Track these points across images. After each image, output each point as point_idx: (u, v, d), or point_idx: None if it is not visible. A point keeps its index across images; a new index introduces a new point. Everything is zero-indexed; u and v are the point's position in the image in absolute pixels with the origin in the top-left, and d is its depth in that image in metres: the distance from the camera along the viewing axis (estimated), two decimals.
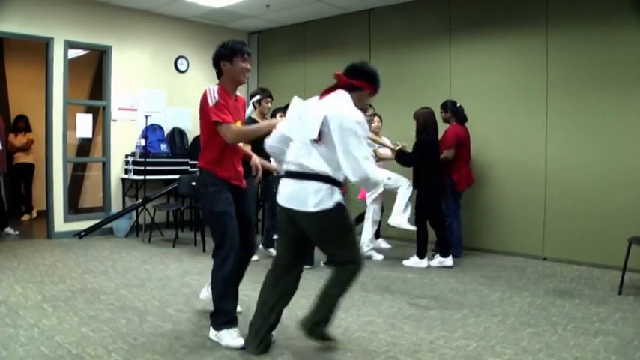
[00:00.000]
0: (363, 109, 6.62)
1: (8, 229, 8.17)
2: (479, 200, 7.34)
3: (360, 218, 7.03)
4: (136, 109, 8.79)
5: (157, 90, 9.13)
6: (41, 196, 8.72)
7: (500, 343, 3.94)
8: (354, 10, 8.69)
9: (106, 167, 8.60)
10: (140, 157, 8.35)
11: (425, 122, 6.43)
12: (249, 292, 5.21)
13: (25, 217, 9.75)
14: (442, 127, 6.95)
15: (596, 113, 6.37)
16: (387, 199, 7.13)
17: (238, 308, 4.13)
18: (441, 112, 6.95)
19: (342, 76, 3.59)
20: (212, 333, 3.90)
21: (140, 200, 8.25)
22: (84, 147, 9.15)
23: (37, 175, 9.63)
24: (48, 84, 7.87)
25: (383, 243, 7.54)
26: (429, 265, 6.47)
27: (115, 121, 8.58)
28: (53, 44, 7.83)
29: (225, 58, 3.96)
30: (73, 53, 8.38)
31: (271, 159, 6.38)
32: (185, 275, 5.89)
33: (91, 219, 8.33)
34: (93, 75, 9.29)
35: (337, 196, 3.43)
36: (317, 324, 3.62)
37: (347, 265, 3.59)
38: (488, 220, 7.24)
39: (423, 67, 7.93)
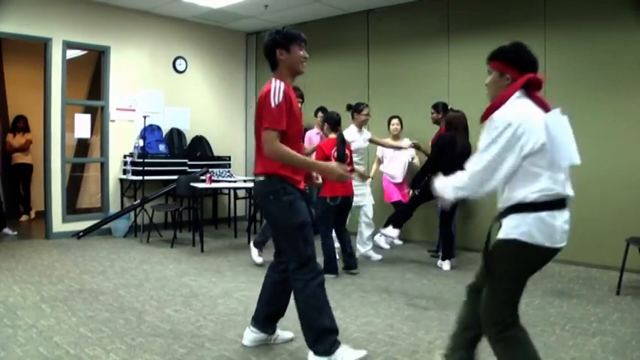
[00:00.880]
0: (359, 110, 6.65)
1: (6, 230, 8.16)
2: (477, 201, 7.33)
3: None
4: (134, 110, 8.79)
5: (156, 90, 9.12)
6: (39, 197, 8.72)
7: None
8: (352, 11, 8.69)
9: (104, 168, 8.60)
10: (138, 158, 8.34)
11: (449, 124, 6.31)
12: (248, 292, 5.23)
13: (24, 218, 9.75)
14: (432, 129, 7.03)
15: (594, 113, 6.38)
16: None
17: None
18: (432, 113, 6.96)
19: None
20: None
21: (138, 201, 8.25)
22: (82, 147, 9.13)
23: (35, 176, 9.62)
24: (46, 84, 7.86)
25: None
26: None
27: (113, 121, 8.58)
28: (51, 44, 7.83)
29: (281, 47, 3.51)
30: (72, 53, 8.38)
31: None
32: (183, 276, 5.89)
33: (90, 219, 8.32)
34: (91, 75, 9.28)
35: None
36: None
37: None
38: (486, 221, 7.23)
39: (422, 67, 7.94)
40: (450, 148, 6.07)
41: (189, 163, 8.95)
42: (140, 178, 8.19)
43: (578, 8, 6.52)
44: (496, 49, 2.94)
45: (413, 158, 7.41)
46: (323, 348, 3.35)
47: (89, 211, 8.86)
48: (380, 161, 7.66)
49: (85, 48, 8.53)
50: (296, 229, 3.38)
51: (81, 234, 8.04)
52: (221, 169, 9.03)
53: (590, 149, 6.45)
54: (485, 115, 2.65)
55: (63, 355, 3.56)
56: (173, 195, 8.69)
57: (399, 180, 7.37)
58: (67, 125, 8.10)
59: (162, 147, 8.86)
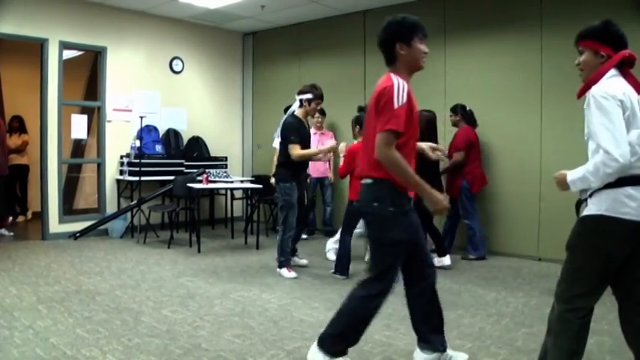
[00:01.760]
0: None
1: (3, 231, 8.15)
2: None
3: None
4: (130, 110, 8.78)
5: (152, 91, 9.12)
6: (36, 198, 8.70)
7: (495, 343, 3.95)
8: (349, 12, 8.69)
9: (100, 168, 8.59)
10: (135, 158, 8.33)
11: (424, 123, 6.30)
12: (244, 292, 5.23)
13: (20, 219, 9.72)
14: (451, 130, 7.05)
15: None
16: None
17: None
18: (450, 116, 7.00)
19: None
20: (319, 357, 3.23)
21: (135, 201, 8.24)
22: (79, 148, 9.12)
23: (31, 176, 9.60)
24: (43, 85, 7.85)
25: None
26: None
27: (109, 122, 8.57)
28: (48, 45, 7.81)
29: (401, 40, 3.20)
30: (68, 54, 8.36)
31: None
32: (180, 276, 5.88)
33: (86, 220, 8.30)
34: (88, 76, 9.27)
35: None
36: None
37: None
38: (484, 221, 7.23)
39: None
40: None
41: (185, 163, 8.94)
42: (137, 178, 8.17)
43: (574, 8, 6.53)
44: (585, 28, 2.92)
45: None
46: (331, 347, 3.22)
47: (86, 211, 8.85)
48: None
49: (81, 48, 8.52)
50: (391, 244, 3.14)
51: (77, 235, 8.03)
52: (218, 170, 9.04)
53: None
54: (582, 92, 2.76)
55: (60, 356, 3.55)
56: (170, 195, 8.68)
57: None
58: (64, 126, 8.09)
59: (158, 147, 8.85)
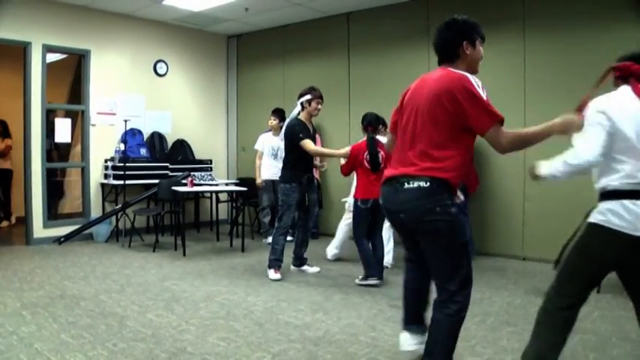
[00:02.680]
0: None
1: None
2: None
3: None
4: (115, 114, 8.74)
5: (136, 94, 9.09)
6: (20, 202, 8.64)
7: (480, 343, 3.98)
8: (333, 14, 8.71)
9: (85, 172, 8.54)
10: (119, 162, 8.30)
11: None
12: (230, 295, 5.23)
13: (4, 224, 9.66)
14: None
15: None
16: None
17: None
18: None
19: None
20: None
21: (120, 205, 8.20)
22: (63, 152, 9.07)
23: (15, 181, 9.54)
24: (26, 89, 7.79)
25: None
26: None
27: (94, 125, 8.53)
28: (31, 48, 7.76)
29: (468, 39, 3.14)
30: (52, 57, 8.32)
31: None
32: (165, 280, 5.87)
33: (71, 224, 8.25)
34: (71, 79, 9.22)
35: None
36: None
37: None
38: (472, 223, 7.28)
39: (402, 68, 7.96)
40: None
41: (170, 166, 8.91)
42: (121, 182, 8.14)
43: (556, 10, 6.59)
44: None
45: None
46: None
47: (70, 216, 8.79)
48: None
49: (64, 52, 8.47)
50: (463, 246, 2.95)
51: (62, 239, 7.98)
52: (203, 173, 9.02)
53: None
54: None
55: None
56: (155, 199, 8.65)
57: None
58: (48, 130, 8.04)
59: (143, 151, 8.83)
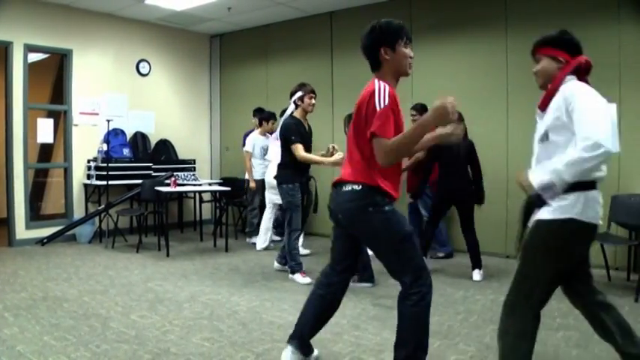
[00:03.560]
0: None
1: None
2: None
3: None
4: (97, 114, 8.71)
5: (119, 94, 9.06)
6: (2, 203, 8.58)
7: (464, 340, 4.03)
8: (315, 13, 8.75)
9: (67, 173, 8.50)
10: (102, 162, 8.27)
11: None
12: (213, 295, 5.24)
13: None
14: None
15: None
16: None
17: None
18: (414, 115, 6.77)
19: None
20: None
21: (103, 206, 8.18)
22: (45, 152, 9.01)
23: None
24: (7, 89, 7.75)
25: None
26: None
27: (76, 125, 8.49)
28: (12, 48, 7.72)
29: (386, 44, 3.13)
30: (33, 57, 8.27)
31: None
32: (149, 281, 5.87)
33: (54, 225, 8.21)
34: (53, 79, 9.16)
35: None
36: None
37: None
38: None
39: None
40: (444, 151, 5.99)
41: (153, 167, 8.90)
42: (104, 182, 8.11)
43: (538, 9, 6.65)
44: (542, 36, 2.98)
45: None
46: None
47: (53, 217, 8.74)
48: None
49: (46, 51, 8.43)
50: (405, 238, 3.02)
51: (45, 240, 7.94)
52: (186, 173, 9.01)
53: None
54: (546, 101, 2.80)
55: None
56: (138, 199, 8.64)
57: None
58: (30, 130, 8.00)
59: (126, 151, 8.80)
